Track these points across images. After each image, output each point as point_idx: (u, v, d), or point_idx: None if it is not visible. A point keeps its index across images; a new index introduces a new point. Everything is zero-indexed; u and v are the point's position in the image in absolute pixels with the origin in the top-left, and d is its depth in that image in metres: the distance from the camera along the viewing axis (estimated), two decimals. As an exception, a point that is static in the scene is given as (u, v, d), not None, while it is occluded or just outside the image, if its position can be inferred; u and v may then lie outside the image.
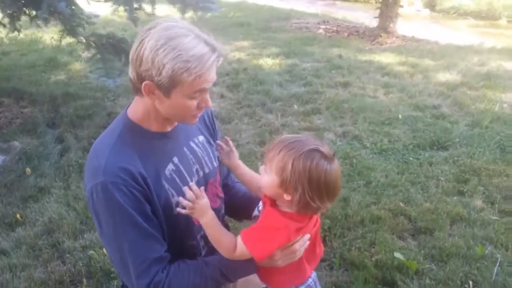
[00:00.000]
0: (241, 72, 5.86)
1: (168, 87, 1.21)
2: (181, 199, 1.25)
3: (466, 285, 2.30)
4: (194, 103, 1.27)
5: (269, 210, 1.23)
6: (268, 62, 6.23)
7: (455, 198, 3.07)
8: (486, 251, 2.51)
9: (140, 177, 1.23)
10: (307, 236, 1.26)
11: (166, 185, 1.30)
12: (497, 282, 2.31)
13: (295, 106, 4.76)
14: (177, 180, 1.33)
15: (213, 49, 1.20)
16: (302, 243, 1.26)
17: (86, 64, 6.27)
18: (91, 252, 2.64)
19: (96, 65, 3.89)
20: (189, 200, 1.23)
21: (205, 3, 3.89)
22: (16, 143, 4.16)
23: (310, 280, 1.39)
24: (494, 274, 2.36)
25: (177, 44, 1.18)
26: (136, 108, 1.31)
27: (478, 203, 2.99)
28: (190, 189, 1.24)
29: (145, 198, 1.25)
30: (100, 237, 1.31)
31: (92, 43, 3.86)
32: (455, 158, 3.55)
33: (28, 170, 3.64)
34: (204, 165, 1.43)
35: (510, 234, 2.65)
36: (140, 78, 1.21)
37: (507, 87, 5.14)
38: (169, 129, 1.36)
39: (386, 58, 6.34)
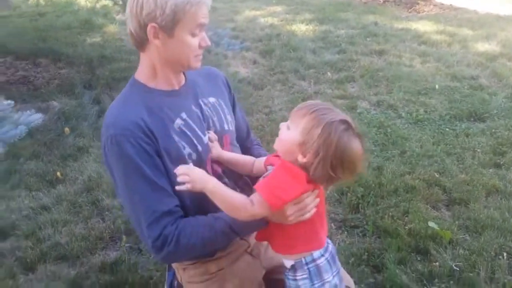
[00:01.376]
0: (274, 38, 5.81)
1: (171, 25, 1.27)
2: (177, 174, 1.22)
3: (500, 257, 2.30)
4: (195, 41, 1.33)
5: (283, 161, 1.21)
6: (301, 28, 6.14)
7: (491, 170, 3.03)
8: (523, 225, 2.49)
9: (148, 130, 1.27)
10: (317, 199, 1.25)
11: (176, 138, 1.33)
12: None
13: (329, 74, 4.72)
14: (188, 133, 1.36)
15: None
16: (312, 199, 1.23)
17: (121, 26, 6.33)
18: (130, 210, 2.73)
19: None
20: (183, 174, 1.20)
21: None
22: (54, 103, 4.27)
23: (331, 247, 1.33)
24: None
25: None
26: (142, 68, 1.37)
27: (514, 175, 2.96)
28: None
29: (154, 151, 1.28)
30: (115, 190, 1.36)
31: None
32: (493, 130, 3.48)
33: (66, 129, 3.75)
34: (211, 125, 1.44)
35: (548, 208, 2.61)
36: (143, 25, 1.27)
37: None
38: (177, 87, 1.41)
39: (423, 26, 6.16)
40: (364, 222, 2.58)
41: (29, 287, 2.24)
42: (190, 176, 1.20)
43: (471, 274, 2.20)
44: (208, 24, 1.32)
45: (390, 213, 2.62)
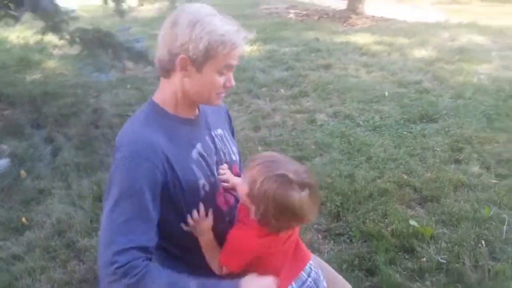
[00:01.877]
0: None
1: (201, 61, 1.29)
2: (188, 217, 1.32)
3: (479, 245, 2.43)
4: (222, 79, 1.34)
5: (231, 232, 1.31)
6: (246, 49, 6.24)
7: (453, 166, 3.21)
8: (492, 213, 2.65)
9: (165, 159, 1.28)
10: None
11: (195, 168, 1.35)
12: (508, 239, 2.45)
13: (282, 91, 4.82)
14: (203, 164, 1.38)
15: (240, 28, 1.31)
16: None
17: (60, 61, 6.14)
18: (110, 247, 2.62)
19: (84, 61, 3.81)
20: (193, 220, 1.32)
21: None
22: (4, 147, 4.04)
23: (313, 273, 1.42)
24: (504, 233, 2.50)
25: (211, 20, 1.28)
26: (163, 93, 1.38)
27: (475, 169, 3.14)
28: (198, 210, 1.32)
29: (163, 181, 1.28)
30: (103, 203, 1.29)
31: (77, 38, 3.78)
32: (446, 129, 3.70)
33: (22, 172, 3.55)
34: (222, 157, 1.47)
35: (510, 197, 2.80)
36: (174, 54, 1.28)
37: (480, 59, 5.36)
38: (192, 117, 1.43)
39: (362, 39, 6.46)
40: (348, 229, 2.64)
41: None
42: (196, 224, 1.33)
43: (457, 265, 2.31)
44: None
45: (371, 217, 2.70)
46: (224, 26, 1.29)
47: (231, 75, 1.38)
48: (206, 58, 1.29)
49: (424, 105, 4.15)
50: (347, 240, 2.57)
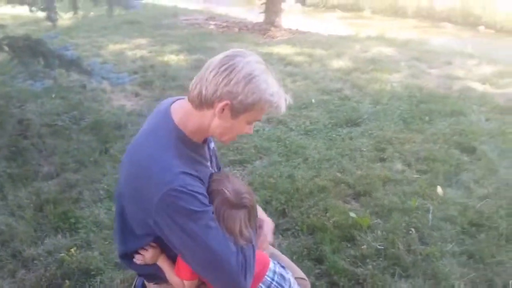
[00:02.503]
0: (149, 70, 5.87)
1: (242, 111, 1.36)
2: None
3: (410, 232, 2.74)
4: (247, 128, 1.44)
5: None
6: (173, 59, 6.31)
7: (379, 164, 3.55)
8: (418, 203, 2.99)
9: (200, 181, 1.38)
10: None
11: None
12: (434, 226, 2.79)
13: (214, 99, 4.95)
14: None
15: (282, 90, 1.40)
16: None
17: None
18: (61, 255, 2.58)
19: (15, 69, 3.67)
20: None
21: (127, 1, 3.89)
22: None
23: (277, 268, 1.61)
24: (430, 220, 2.84)
25: (266, 78, 1.35)
26: (189, 121, 1.42)
27: (399, 166, 3.51)
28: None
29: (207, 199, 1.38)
30: (178, 241, 1.36)
31: (5, 46, 3.63)
32: (369, 132, 4.07)
33: None
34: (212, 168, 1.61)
35: (432, 187, 3.17)
36: (219, 97, 1.33)
37: (391, 69, 5.90)
38: (201, 142, 1.50)
39: (284, 50, 6.80)
40: (294, 224, 2.84)
41: None
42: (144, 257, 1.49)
43: (393, 250, 2.59)
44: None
45: (313, 212, 2.92)
46: (273, 86, 1.37)
47: (253, 125, 1.47)
48: (247, 110, 1.35)
49: (347, 111, 4.52)
50: (295, 234, 2.76)
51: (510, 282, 2.32)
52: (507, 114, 4.49)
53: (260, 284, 1.52)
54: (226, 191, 1.41)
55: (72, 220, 2.90)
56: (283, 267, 1.65)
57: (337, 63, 6.17)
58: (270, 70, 1.39)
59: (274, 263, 1.62)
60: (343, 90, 5.17)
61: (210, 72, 1.35)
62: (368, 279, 2.38)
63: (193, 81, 1.42)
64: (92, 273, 2.46)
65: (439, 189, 3.15)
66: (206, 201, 1.37)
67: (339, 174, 3.38)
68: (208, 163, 1.55)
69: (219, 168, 1.76)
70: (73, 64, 3.72)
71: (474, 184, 3.25)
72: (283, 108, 1.41)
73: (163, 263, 1.51)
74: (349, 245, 2.66)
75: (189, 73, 5.71)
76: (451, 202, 3.02)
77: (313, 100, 4.81)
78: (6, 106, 4.74)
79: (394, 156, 3.66)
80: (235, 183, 1.47)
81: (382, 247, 2.61)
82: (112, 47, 6.97)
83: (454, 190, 3.19)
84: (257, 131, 4.12)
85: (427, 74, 5.83)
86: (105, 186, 3.28)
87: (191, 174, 1.36)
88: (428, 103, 4.70)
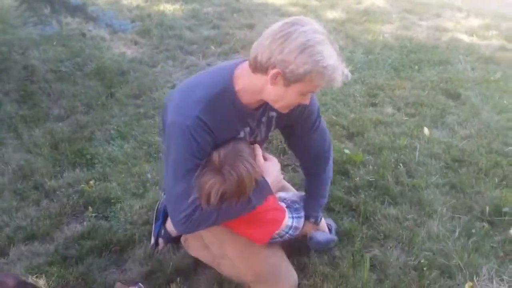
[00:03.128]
0: (146, 19, 5.92)
1: (293, 80, 1.39)
2: None
3: (398, 166, 3.03)
4: (299, 98, 1.48)
5: None
6: (169, 8, 6.35)
7: (371, 108, 3.80)
8: (406, 142, 3.27)
9: (211, 135, 1.54)
10: None
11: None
12: (420, 162, 3.08)
13: (212, 47, 5.10)
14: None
15: (341, 63, 1.44)
16: None
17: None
18: (82, 186, 2.83)
19: (24, 14, 3.77)
20: None
21: None
22: None
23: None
24: (417, 156, 3.12)
25: (321, 49, 1.35)
26: (245, 81, 1.50)
27: (389, 110, 3.76)
28: None
29: (204, 151, 1.55)
30: (164, 161, 1.61)
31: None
32: (362, 79, 4.29)
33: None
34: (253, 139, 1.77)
35: (419, 129, 3.44)
36: (272, 64, 1.38)
37: (383, 20, 6.04)
38: (255, 107, 1.61)
39: (278, 0, 6.86)
40: (294, 160, 3.09)
41: (10, 269, 2.26)
42: None
43: (383, 182, 2.87)
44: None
45: (311, 150, 3.18)
46: (329, 59, 1.36)
47: (309, 96, 1.51)
48: (298, 80, 1.38)
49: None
50: (294, 169, 3.03)
51: (487, 208, 2.62)
52: (491, 64, 4.73)
53: (275, 234, 1.87)
54: (216, 153, 1.57)
55: (88, 156, 3.13)
56: (298, 217, 1.99)
57: (331, 14, 6.29)
58: (330, 41, 1.39)
59: (292, 218, 1.95)
60: (337, 41, 5.31)
61: (267, 37, 1.39)
62: (361, 206, 2.67)
63: (254, 43, 1.47)
64: (112, 201, 2.71)
65: (426, 130, 3.41)
66: (198, 153, 1.52)
67: (334, 117, 3.62)
68: (246, 129, 1.66)
69: (266, 138, 1.89)
70: (78, 9, 3.82)
71: (458, 126, 3.53)
72: (337, 83, 1.43)
73: None
74: (343, 178, 2.93)
75: (185, 23, 5.81)
76: (436, 141, 3.30)
77: (308, 49, 4.98)
78: (9, 52, 4.84)
79: (385, 101, 3.90)
80: (235, 152, 1.59)
81: (373, 179, 2.90)
82: (107, -4, 6.98)
83: (439, 131, 3.46)
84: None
85: (418, 25, 5.99)
86: (115, 127, 3.49)
87: (206, 124, 1.50)
88: (417, 53, 4.91)
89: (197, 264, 2.27)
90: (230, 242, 1.92)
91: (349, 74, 1.49)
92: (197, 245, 2.17)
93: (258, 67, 1.43)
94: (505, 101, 3.89)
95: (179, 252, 2.35)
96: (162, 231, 2.35)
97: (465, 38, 5.50)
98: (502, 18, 6.20)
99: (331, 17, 6.18)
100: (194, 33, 5.51)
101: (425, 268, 2.23)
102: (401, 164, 3.04)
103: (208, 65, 4.63)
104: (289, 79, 1.40)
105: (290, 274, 1.99)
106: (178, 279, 2.18)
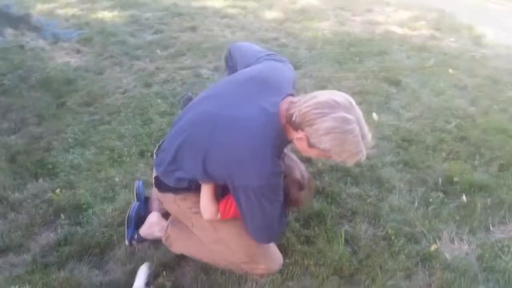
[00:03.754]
0: (85, 27, 5.83)
1: (315, 148, 1.64)
2: None
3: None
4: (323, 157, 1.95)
5: None
6: (108, 15, 6.28)
7: (322, 99, 3.99)
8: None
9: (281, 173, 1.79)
10: None
11: None
12: (373, 144, 3.29)
13: (158, 51, 5.11)
14: None
15: (364, 150, 1.64)
16: None
17: None
18: (49, 195, 2.78)
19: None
20: None
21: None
22: None
23: None
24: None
25: (344, 139, 1.58)
26: (283, 121, 1.71)
27: (339, 100, 3.97)
28: None
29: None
30: (248, 206, 1.81)
31: None
32: (310, 73, 4.49)
33: None
34: None
35: (368, 114, 3.66)
36: (302, 128, 1.63)
37: (320, 18, 6.31)
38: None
39: (217, 3, 6.94)
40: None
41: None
42: None
43: (343, 165, 3.06)
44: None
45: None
46: (352, 147, 1.59)
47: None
48: (319, 150, 1.64)
49: (287, 57, 4.76)
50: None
51: (439, 179, 2.87)
52: (424, 52, 5.12)
53: None
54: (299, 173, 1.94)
55: (49, 166, 3.07)
56: None
57: (270, 14, 6.48)
58: (354, 130, 1.58)
59: None
60: (279, 39, 5.53)
61: (307, 105, 1.62)
62: (327, 188, 2.83)
63: (298, 96, 1.78)
64: (84, 207, 2.69)
65: (375, 115, 3.65)
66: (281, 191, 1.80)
67: (289, 110, 3.77)
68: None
69: None
70: (21, 21, 3.72)
71: (402, 109, 3.80)
72: (349, 164, 1.80)
73: (208, 190, 1.92)
74: (307, 164, 3.06)
75: (127, 29, 5.77)
76: (385, 125, 3.54)
77: (254, 48, 5.12)
78: None
79: (334, 92, 4.11)
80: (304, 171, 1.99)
81: (334, 163, 3.07)
82: (41, 7, 6.75)
83: (386, 115, 3.71)
84: (207, 78, 4.41)
85: (352, 21, 6.32)
86: (72, 135, 3.44)
87: (279, 172, 1.75)
88: (356, 46, 5.20)
89: (180, 258, 2.32)
90: (226, 225, 2.02)
91: (365, 158, 1.69)
92: (183, 237, 2.23)
93: (291, 123, 1.66)
94: (441, 84, 4.24)
95: (160, 249, 2.39)
96: (136, 236, 2.38)
97: (397, 29, 5.88)
98: (428, 10, 6.69)
99: (270, 18, 6.37)
100: (137, 38, 5.49)
101: (393, 237, 2.42)
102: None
103: (157, 68, 4.64)
104: (312, 145, 1.65)
105: (278, 255, 2.15)
106: (164, 272, 2.22)
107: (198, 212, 1.99)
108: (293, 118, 1.63)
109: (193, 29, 5.80)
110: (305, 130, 1.61)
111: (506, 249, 2.35)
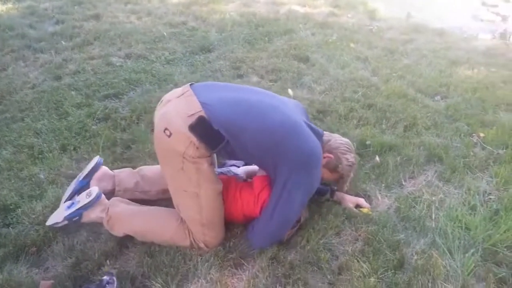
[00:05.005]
0: (-23, 21, 5.42)
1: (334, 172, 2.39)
2: None
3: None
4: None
5: None
6: (1, 8, 5.87)
7: (238, 80, 4.12)
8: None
9: None
10: None
11: None
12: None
13: (63, 42, 4.91)
14: None
15: None
16: None
17: None
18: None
19: None
20: None
21: None
22: None
23: None
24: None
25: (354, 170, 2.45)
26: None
27: (254, 78, 4.13)
28: None
29: None
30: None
31: None
32: (223, 55, 4.59)
33: None
34: None
35: (284, 90, 3.86)
36: (331, 152, 2.36)
37: (225, 1, 6.41)
38: None
39: (118, -11, 6.77)
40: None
41: None
42: None
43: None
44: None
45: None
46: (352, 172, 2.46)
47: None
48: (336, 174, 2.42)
49: (199, 40, 4.95)
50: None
51: (354, 143, 3.12)
52: (326, 28, 5.44)
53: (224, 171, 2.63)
54: None
55: (-38, 170, 2.90)
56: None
57: (174, -3, 6.45)
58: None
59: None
60: (188, 23, 5.55)
61: (340, 142, 2.40)
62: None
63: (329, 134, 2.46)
64: (11, 207, 2.58)
65: (290, 91, 3.85)
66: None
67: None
68: None
69: None
70: None
71: (314, 83, 4.05)
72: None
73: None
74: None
75: (25, 21, 5.47)
76: (300, 98, 3.74)
77: (164, 33, 5.11)
78: None
79: (249, 71, 4.26)
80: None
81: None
82: None
83: (300, 90, 3.94)
84: (120, 66, 4.33)
85: (257, 2, 6.50)
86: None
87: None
88: (264, 26, 5.38)
89: (122, 245, 2.34)
90: (208, 185, 2.18)
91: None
92: (124, 217, 2.29)
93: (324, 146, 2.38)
94: (345, 58, 4.56)
95: (99, 239, 2.39)
96: (77, 218, 2.36)
97: (299, 9, 6.16)
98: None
99: (175, 1, 6.36)
100: (38, 30, 5.23)
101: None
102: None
103: (64, 60, 4.47)
104: (333, 169, 2.41)
105: (223, 233, 2.34)
106: (108, 261, 2.24)
107: (197, 163, 2.08)
108: (329, 143, 2.45)
109: (97, 17, 5.63)
110: (333, 154, 2.42)
111: (418, 200, 2.66)
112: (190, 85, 2.21)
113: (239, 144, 2.10)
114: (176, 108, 2.11)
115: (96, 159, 2.57)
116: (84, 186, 2.50)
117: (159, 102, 2.28)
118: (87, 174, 2.52)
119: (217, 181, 2.23)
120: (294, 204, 2.19)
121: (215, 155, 2.40)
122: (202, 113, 2.04)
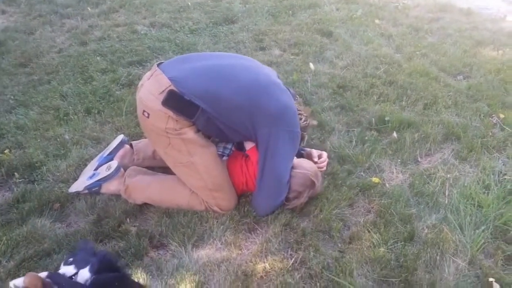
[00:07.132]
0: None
1: None
2: None
3: (296, 98, 3.42)
4: None
5: None
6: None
7: (260, 52, 4.14)
8: (297, 77, 3.68)
9: None
10: None
11: None
12: (312, 91, 3.52)
13: (89, 9, 4.98)
14: None
15: None
16: None
17: None
18: (-1, 155, 2.76)
19: None
20: None
21: None
22: None
23: None
24: (309, 87, 3.55)
25: None
26: None
27: (277, 51, 4.14)
28: None
29: None
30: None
31: None
32: (246, 27, 4.60)
33: None
34: None
35: (305, 65, 3.88)
36: None
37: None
38: None
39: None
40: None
41: None
42: None
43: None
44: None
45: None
46: None
47: None
48: None
49: (223, 11, 4.96)
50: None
51: (373, 119, 3.15)
52: (351, 3, 5.39)
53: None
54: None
55: (-8, 128, 3.02)
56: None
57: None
58: None
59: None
60: (212, -5, 5.55)
61: None
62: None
63: None
64: (37, 165, 2.70)
65: (311, 65, 3.86)
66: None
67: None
68: None
69: None
70: None
71: (336, 58, 4.04)
72: None
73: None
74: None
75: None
76: (321, 73, 3.77)
77: (189, 3, 5.13)
78: None
79: (271, 44, 4.27)
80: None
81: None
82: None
83: (322, 65, 3.94)
84: (145, 34, 4.39)
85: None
86: (12, 97, 3.37)
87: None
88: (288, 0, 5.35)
89: (142, 206, 2.44)
90: (201, 151, 2.23)
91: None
92: (142, 186, 2.38)
93: None
94: (369, 34, 4.52)
95: (120, 199, 2.48)
96: (98, 189, 2.47)
97: (325, -17, 6.08)
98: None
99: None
100: (65, -4, 5.29)
101: (336, 172, 2.67)
102: (297, 96, 3.44)
103: (90, 26, 4.54)
104: None
105: (235, 195, 2.40)
106: (128, 219, 2.34)
107: (181, 134, 2.14)
108: None
109: (123, -16, 5.65)
110: None
111: (433, 176, 2.68)
112: (158, 65, 2.25)
113: (219, 113, 2.12)
114: (149, 89, 2.17)
115: (120, 137, 2.67)
116: (108, 162, 2.59)
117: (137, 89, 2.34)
118: (111, 151, 2.62)
119: (208, 144, 2.28)
120: (280, 160, 2.22)
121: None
122: (172, 87, 2.11)
